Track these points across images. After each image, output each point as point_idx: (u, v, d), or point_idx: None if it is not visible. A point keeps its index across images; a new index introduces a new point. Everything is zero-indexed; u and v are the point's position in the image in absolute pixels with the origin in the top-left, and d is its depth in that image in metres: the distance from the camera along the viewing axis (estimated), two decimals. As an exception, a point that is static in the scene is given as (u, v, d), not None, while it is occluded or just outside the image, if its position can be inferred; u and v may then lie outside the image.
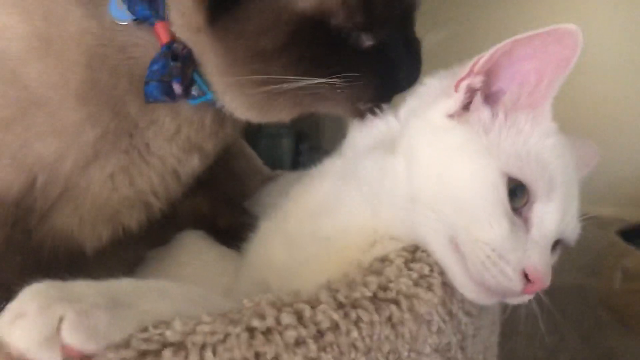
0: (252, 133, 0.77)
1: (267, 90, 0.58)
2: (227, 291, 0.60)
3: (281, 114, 0.63)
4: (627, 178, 3.91)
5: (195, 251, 0.69)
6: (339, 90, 0.58)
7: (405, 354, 0.46)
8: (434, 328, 0.48)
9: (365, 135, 0.59)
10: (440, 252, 0.49)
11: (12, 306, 0.37)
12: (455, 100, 0.51)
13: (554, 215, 0.48)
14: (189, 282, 0.59)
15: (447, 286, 0.49)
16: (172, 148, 0.64)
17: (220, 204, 0.77)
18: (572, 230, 0.52)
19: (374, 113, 0.61)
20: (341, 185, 0.56)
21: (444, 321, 0.48)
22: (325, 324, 0.42)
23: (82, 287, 0.39)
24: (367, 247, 0.52)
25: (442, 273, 0.49)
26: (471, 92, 0.51)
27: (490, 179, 0.47)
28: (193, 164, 0.67)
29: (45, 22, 0.59)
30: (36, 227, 0.64)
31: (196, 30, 0.58)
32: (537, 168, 0.48)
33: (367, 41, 0.59)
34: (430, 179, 0.50)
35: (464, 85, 0.50)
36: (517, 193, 0.48)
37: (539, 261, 0.47)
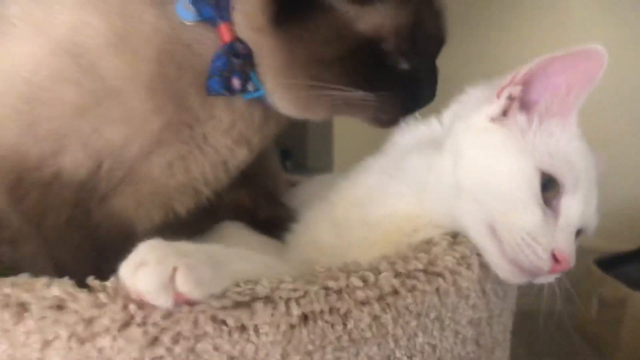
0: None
1: (315, 93, 0.65)
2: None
3: (318, 114, 0.71)
4: (605, 210, 4.03)
5: (240, 238, 0.75)
6: (371, 102, 0.67)
7: (447, 322, 0.53)
8: (471, 302, 0.55)
9: (408, 137, 0.67)
10: (479, 237, 0.56)
11: (134, 257, 0.43)
12: (497, 106, 0.59)
13: (578, 207, 0.57)
14: None
15: (484, 267, 0.57)
16: (226, 140, 0.71)
17: (260, 197, 0.83)
18: (592, 221, 0.60)
19: (394, 123, 0.70)
20: (387, 179, 0.64)
21: (478, 297, 0.56)
22: (387, 289, 0.49)
23: (188, 246, 0.46)
24: (411, 232, 0.60)
25: (479, 255, 0.57)
26: (511, 99, 0.59)
27: (526, 173, 0.55)
28: (241, 156, 0.73)
29: (122, 21, 0.65)
30: (96, 208, 0.70)
31: (258, 30, 0.65)
32: (566, 166, 0.56)
33: (404, 65, 0.67)
34: (474, 172, 0.57)
35: (505, 93, 0.59)
36: (548, 186, 0.56)
37: (566, 244, 0.55)
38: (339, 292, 0.48)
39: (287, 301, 0.46)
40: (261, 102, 0.70)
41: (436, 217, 0.60)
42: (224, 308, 0.44)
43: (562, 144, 0.58)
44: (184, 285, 0.42)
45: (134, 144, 0.67)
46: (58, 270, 0.70)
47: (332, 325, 0.47)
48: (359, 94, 0.65)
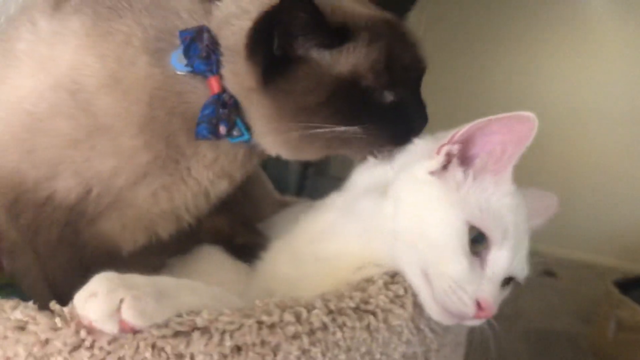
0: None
1: (306, 135, 0.71)
2: (239, 297, 0.72)
3: (312, 154, 0.77)
4: (626, 229, 3.98)
5: (214, 262, 0.81)
6: (363, 137, 0.72)
7: (378, 356, 0.58)
8: (404, 338, 0.60)
9: (365, 178, 0.72)
10: (413, 280, 0.62)
11: (87, 288, 0.49)
12: (436, 161, 0.64)
13: (505, 259, 0.61)
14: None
15: (417, 306, 0.61)
16: (208, 173, 0.77)
17: (238, 224, 0.89)
18: (520, 270, 0.65)
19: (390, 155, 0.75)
20: (341, 217, 0.70)
21: (412, 334, 0.61)
22: (317, 324, 0.54)
23: (137, 278, 0.52)
24: (355, 270, 0.65)
25: (414, 295, 0.62)
26: (449, 156, 0.64)
27: (456, 226, 0.60)
28: (222, 187, 0.80)
29: (117, 65, 0.71)
30: (84, 229, 0.77)
31: (247, 88, 0.71)
32: (494, 221, 0.61)
33: (389, 97, 0.72)
34: (411, 221, 0.63)
35: (444, 150, 0.64)
36: (479, 239, 0.61)
37: (489, 293, 0.60)
38: (271, 326, 0.53)
39: (223, 333, 0.51)
40: (246, 142, 0.76)
41: (379, 258, 0.65)
42: (163, 337, 0.50)
43: (494, 199, 0.62)
44: (129, 315, 0.48)
45: (122, 174, 0.74)
46: (49, 282, 0.78)
47: (263, 357, 0.52)
48: (347, 129, 0.70)
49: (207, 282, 0.76)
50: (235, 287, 0.74)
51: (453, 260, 0.60)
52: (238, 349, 0.52)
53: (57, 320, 0.50)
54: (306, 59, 0.70)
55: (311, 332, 0.54)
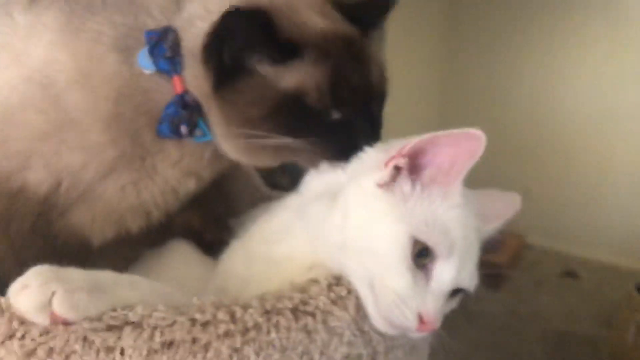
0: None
1: (252, 143, 0.71)
2: (200, 293, 0.73)
3: (265, 161, 0.78)
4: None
5: (181, 257, 0.83)
6: (309, 149, 0.72)
7: (317, 356, 0.59)
8: (345, 340, 0.60)
9: (319, 181, 0.72)
10: (359, 288, 0.62)
11: (20, 279, 0.51)
12: (384, 174, 0.64)
13: (450, 272, 0.61)
14: (171, 282, 0.71)
15: (361, 308, 0.62)
16: (174, 172, 0.79)
17: (209, 220, 0.90)
18: (468, 281, 0.64)
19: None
20: (293, 219, 0.70)
21: (354, 335, 0.61)
22: (250, 323, 0.55)
23: (72, 272, 0.54)
24: (304, 272, 0.65)
25: (358, 297, 0.62)
26: (398, 169, 0.64)
27: (400, 240, 0.60)
28: (190, 186, 0.81)
29: (87, 62, 0.73)
30: (56, 220, 0.79)
31: (204, 92, 0.72)
32: (439, 234, 0.61)
33: (335, 115, 0.72)
34: (357, 233, 0.63)
35: (391, 164, 0.63)
36: (424, 253, 0.61)
37: (432, 308, 0.60)
38: (204, 324, 0.54)
39: (154, 328, 0.53)
40: (212, 143, 0.77)
41: (327, 262, 0.65)
42: (94, 330, 0.51)
43: (441, 211, 0.62)
44: (60, 308, 0.50)
45: (90, 169, 0.75)
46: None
47: (194, 354, 0.53)
48: (290, 141, 0.71)
49: (172, 276, 0.78)
50: (198, 283, 0.75)
51: (397, 274, 0.60)
52: (169, 344, 0.53)
53: (-8, 310, 0.51)
54: (253, 71, 0.70)
55: (245, 331, 0.55)
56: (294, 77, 0.70)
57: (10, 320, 0.51)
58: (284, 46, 0.69)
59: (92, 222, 0.80)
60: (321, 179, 0.72)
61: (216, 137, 0.75)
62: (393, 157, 0.63)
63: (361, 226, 0.63)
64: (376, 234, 0.62)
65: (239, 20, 0.66)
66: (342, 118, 0.72)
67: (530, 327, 3.42)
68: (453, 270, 0.61)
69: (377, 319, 0.61)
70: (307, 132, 0.71)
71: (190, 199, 0.85)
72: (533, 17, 4.14)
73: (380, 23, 0.80)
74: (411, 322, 0.59)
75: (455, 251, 0.61)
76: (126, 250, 0.85)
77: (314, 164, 0.76)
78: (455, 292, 0.65)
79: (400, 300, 0.59)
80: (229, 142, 0.74)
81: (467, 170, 0.62)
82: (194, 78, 0.73)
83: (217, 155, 0.80)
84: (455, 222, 0.62)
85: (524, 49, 4.31)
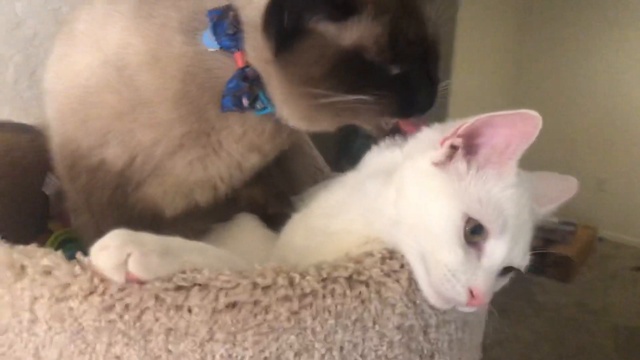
0: (349, 133, 0.93)
1: (314, 104, 0.74)
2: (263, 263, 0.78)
3: (324, 124, 0.81)
4: None
5: (247, 229, 0.87)
6: (369, 106, 0.75)
7: (370, 324, 0.62)
8: (397, 311, 0.63)
9: (376, 159, 0.75)
10: (412, 263, 0.64)
11: (101, 241, 0.56)
12: (439, 153, 0.65)
13: (502, 250, 0.63)
14: (236, 251, 0.75)
15: (414, 282, 0.64)
16: (238, 147, 0.83)
17: (272, 195, 0.95)
18: (520, 260, 0.66)
19: (393, 135, 0.78)
20: (351, 195, 0.73)
21: (407, 307, 0.63)
22: (307, 289, 0.59)
23: (147, 237, 0.58)
24: (360, 244, 0.68)
25: (410, 271, 0.64)
26: (453, 148, 0.65)
27: (453, 218, 0.62)
28: (253, 161, 0.86)
29: (157, 44, 0.79)
30: (132, 192, 0.85)
31: (265, 61, 0.76)
32: (493, 212, 0.62)
33: (394, 70, 0.75)
34: (411, 209, 0.65)
35: (447, 143, 0.65)
36: (477, 230, 0.63)
37: (482, 283, 0.62)
38: (265, 288, 0.58)
39: (219, 290, 0.57)
40: (273, 116, 0.81)
41: (382, 236, 0.68)
42: (166, 289, 0.56)
43: (495, 191, 0.63)
44: (134, 268, 0.55)
45: (160, 145, 0.81)
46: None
47: (255, 315, 0.57)
48: (352, 98, 0.73)
49: (238, 246, 0.83)
50: (261, 253, 0.79)
51: (449, 250, 0.62)
52: (233, 305, 0.57)
53: (77, 268, 0.57)
54: (312, 31, 0.73)
55: (302, 296, 0.58)
56: (353, 33, 0.73)
57: (91, 278, 0.56)
58: (343, 4, 0.72)
59: (164, 194, 0.86)
60: (379, 157, 0.74)
61: (277, 107, 0.79)
62: (449, 137, 0.65)
63: (415, 203, 0.65)
64: (430, 210, 0.64)
65: None
66: (401, 73, 0.75)
67: (600, 322, 3.32)
68: (505, 248, 0.63)
69: (429, 292, 0.63)
70: (367, 88, 0.73)
71: (255, 175, 0.90)
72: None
73: None
74: (462, 295, 0.61)
75: (507, 230, 0.62)
76: (197, 222, 0.90)
77: (372, 123, 0.79)
78: (507, 270, 0.66)
79: (451, 274, 0.61)
80: (290, 106, 0.78)
81: (522, 151, 0.62)
82: (254, 50, 0.76)
83: (278, 129, 0.84)
84: (509, 201, 0.63)
85: (599, 36, 4.16)
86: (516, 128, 0.61)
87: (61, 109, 0.85)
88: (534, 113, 0.60)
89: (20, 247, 0.61)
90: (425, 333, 0.66)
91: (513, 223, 0.63)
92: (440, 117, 0.76)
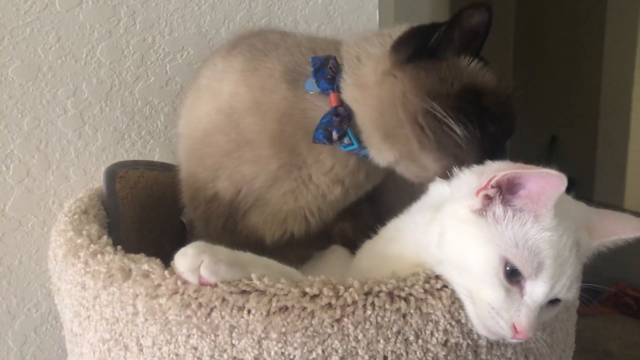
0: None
1: (411, 118, 0.85)
2: None
3: (403, 146, 0.89)
4: None
5: (337, 259, 0.96)
6: (457, 145, 0.82)
7: (412, 338, 0.67)
8: (441, 327, 0.67)
9: (433, 194, 0.80)
10: (460, 295, 0.69)
11: (183, 249, 0.69)
12: (475, 202, 0.69)
13: (541, 288, 0.65)
14: (323, 274, 0.85)
15: (457, 300, 0.68)
16: (325, 179, 0.94)
17: (360, 230, 1.03)
18: (565, 293, 0.67)
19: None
20: (408, 224, 0.80)
21: (450, 324, 0.68)
22: (349, 300, 0.66)
23: (220, 249, 0.71)
24: (410, 269, 0.73)
25: (453, 291, 0.68)
26: (488, 198, 0.68)
27: (491, 262, 0.66)
28: (336, 193, 0.96)
29: (260, 93, 0.93)
30: (239, 221, 0.99)
31: (381, 72, 0.88)
32: (529, 255, 0.65)
33: (491, 127, 0.84)
34: (453, 252, 0.70)
35: (482, 194, 0.68)
36: (516, 271, 0.66)
37: (525, 320, 0.65)
38: (312, 296, 0.66)
39: (273, 295, 0.67)
40: (356, 154, 0.91)
41: (431, 266, 0.73)
42: (230, 292, 0.67)
43: (532, 233, 0.66)
44: (204, 272, 0.67)
45: (259, 178, 0.94)
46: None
47: (302, 319, 0.66)
48: (459, 127, 0.82)
49: (329, 272, 0.92)
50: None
51: (491, 290, 0.66)
52: (284, 309, 0.66)
53: (166, 272, 0.70)
54: (446, 58, 0.86)
55: (344, 306, 0.66)
56: (481, 77, 0.86)
57: (176, 280, 0.69)
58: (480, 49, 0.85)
59: (264, 223, 0.98)
60: (434, 194, 0.80)
61: (367, 137, 0.90)
62: (482, 188, 0.68)
63: (456, 248, 0.70)
64: (469, 255, 0.68)
65: (474, 14, 0.82)
66: (494, 132, 0.84)
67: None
68: (544, 287, 0.65)
69: (477, 325, 0.68)
70: (471, 127, 0.82)
71: (345, 211, 0.99)
72: None
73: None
74: (505, 331, 0.65)
75: (545, 270, 0.65)
76: (297, 251, 1.01)
77: (444, 165, 0.84)
78: (554, 301, 0.68)
79: (495, 312, 0.65)
80: (384, 121, 0.88)
81: (555, 200, 0.64)
82: (356, 77, 0.90)
83: (359, 166, 0.94)
84: (546, 243, 0.65)
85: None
86: (545, 183, 0.64)
87: (187, 149, 1.02)
88: (559, 175, 0.62)
89: (131, 255, 0.76)
90: (475, 353, 0.70)
91: (551, 264, 0.65)
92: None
